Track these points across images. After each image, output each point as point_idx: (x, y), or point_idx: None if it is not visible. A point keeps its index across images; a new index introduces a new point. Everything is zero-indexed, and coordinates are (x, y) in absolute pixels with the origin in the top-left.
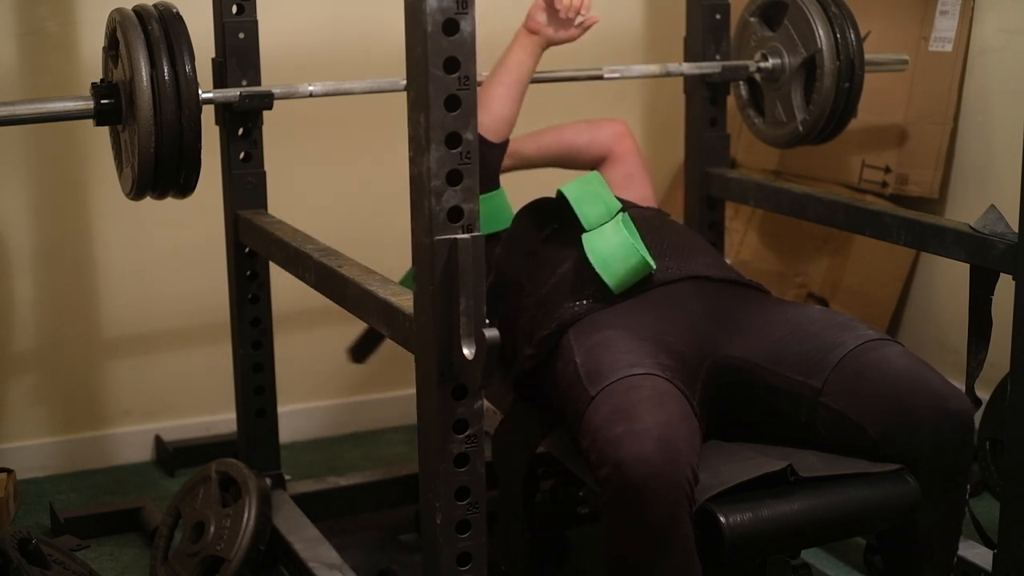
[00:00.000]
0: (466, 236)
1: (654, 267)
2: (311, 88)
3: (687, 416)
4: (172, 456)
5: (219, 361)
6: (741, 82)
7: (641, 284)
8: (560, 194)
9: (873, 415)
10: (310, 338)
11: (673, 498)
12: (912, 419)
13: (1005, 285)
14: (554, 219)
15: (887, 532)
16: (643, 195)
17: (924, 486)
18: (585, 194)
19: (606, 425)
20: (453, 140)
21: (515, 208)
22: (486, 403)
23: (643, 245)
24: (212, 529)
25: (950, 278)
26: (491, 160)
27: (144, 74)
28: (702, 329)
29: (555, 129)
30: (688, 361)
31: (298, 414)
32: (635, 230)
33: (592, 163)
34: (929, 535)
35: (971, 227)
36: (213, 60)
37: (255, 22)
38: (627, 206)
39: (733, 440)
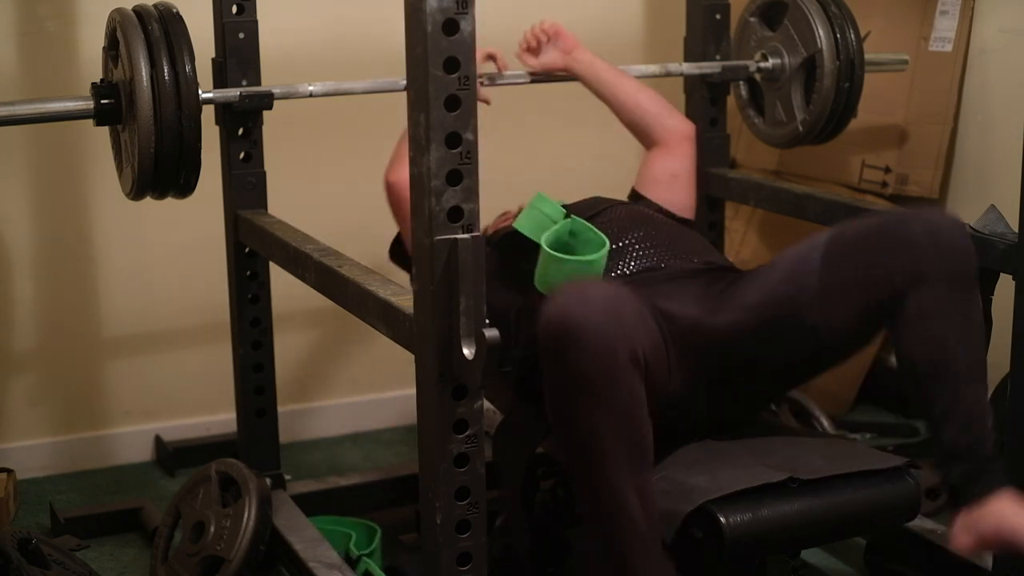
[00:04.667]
0: (466, 236)
1: (594, 259)
2: (311, 88)
3: (639, 306)
4: (172, 456)
5: (219, 361)
6: (741, 82)
7: (629, 277)
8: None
9: (874, 259)
10: (310, 338)
11: (611, 350)
12: (906, 239)
13: (1005, 285)
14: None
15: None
16: (681, 202)
17: (935, 296)
18: (534, 222)
19: (555, 296)
20: (453, 140)
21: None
22: (486, 403)
23: (588, 247)
24: (212, 529)
25: None
26: None
27: (144, 74)
28: (696, 303)
29: (636, 81)
30: (681, 326)
31: (298, 414)
32: (586, 227)
33: (644, 137)
34: (955, 341)
35: (971, 227)
36: (213, 60)
37: (255, 22)
38: (613, 205)
39: (731, 435)
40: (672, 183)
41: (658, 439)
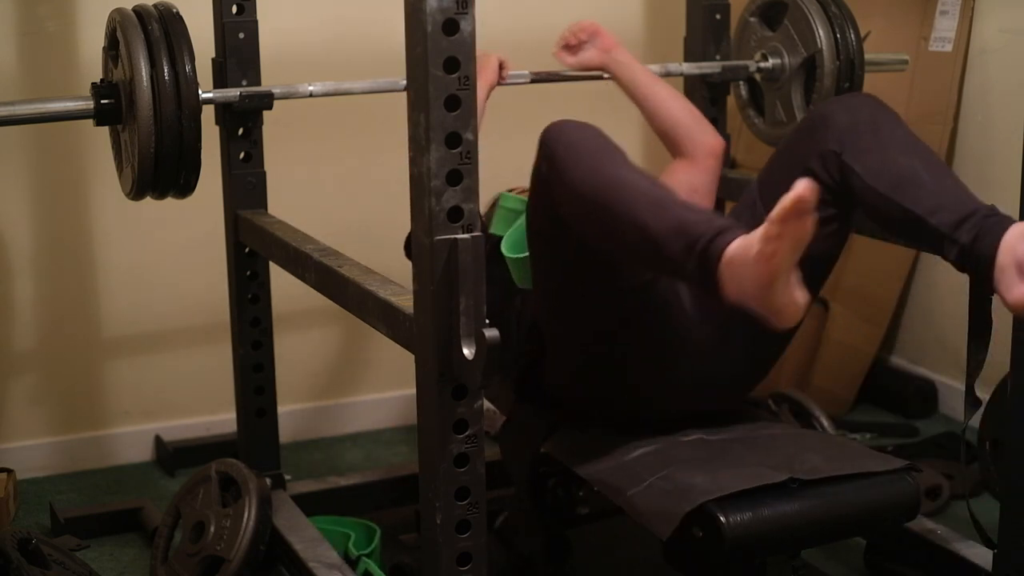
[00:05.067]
0: (466, 236)
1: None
2: (311, 88)
3: None
4: (172, 456)
5: (219, 361)
6: (741, 82)
7: None
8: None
9: (807, 152)
10: (310, 338)
11: (596, 131)
12: (824, 121)
13: None
14: None
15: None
16: None
17: (867, 144)
18: (506, 222)
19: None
20: (453, 140)
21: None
22: (486, 403)
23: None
24: (212, 529)
25: (950, 278)
26: None
27: (144, 74)
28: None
29: (671, 89)
30: None
31: (298, 414)
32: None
33: (673, 146)
34: (905, 157)
35: None
36: (213, 60)
37: (255, 22)
38: None
39: (731, 434)
40: (690, 196)
41: (664, 427)
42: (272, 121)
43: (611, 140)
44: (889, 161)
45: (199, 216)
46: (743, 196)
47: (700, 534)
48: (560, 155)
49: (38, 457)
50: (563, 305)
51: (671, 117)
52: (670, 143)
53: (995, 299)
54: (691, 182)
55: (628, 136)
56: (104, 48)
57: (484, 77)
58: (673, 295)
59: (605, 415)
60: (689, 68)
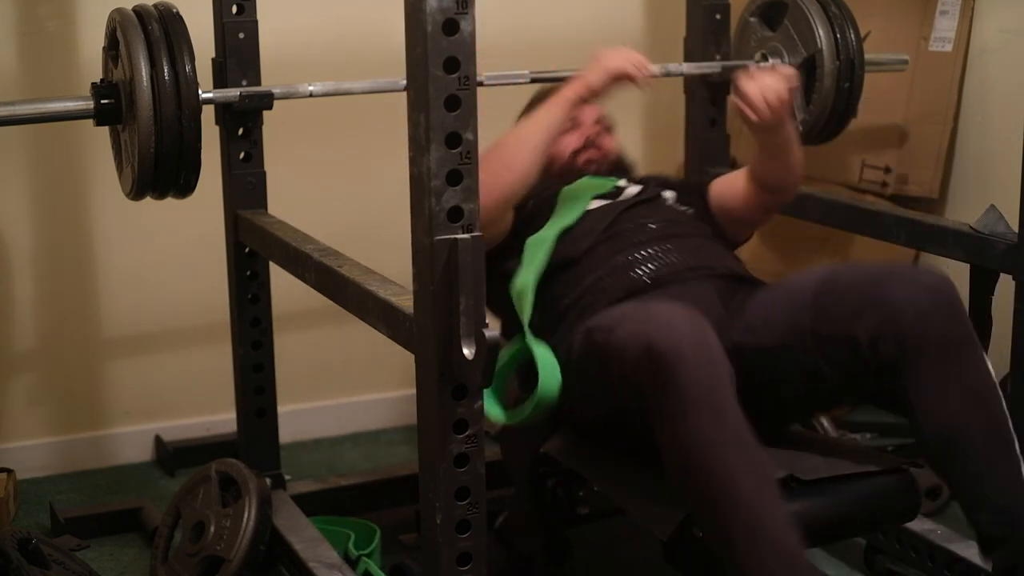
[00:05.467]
0: (466, 236)
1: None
2: (311, 88)
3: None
4: (172, 456)
5: (219, 361)
6: None
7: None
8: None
9: (856, 318)
10: (310, 338)
11: (715, 369)
12: (888, 302)
13: (1005, 285)
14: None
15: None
16: (736, 226)
17: (929, 369)
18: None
19: (625, 317)
20: (453, 140)
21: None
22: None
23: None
24: (212, 529)
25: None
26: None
27: (144, 74)
28: (714, 313)
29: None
30: None
31: (298, 414)
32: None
33: (761, 182)
34: (961, 414)
35: (971, 227)
36: (213, 60)
37: (255, 22)
38: (653, 199)
39: None
40: (742, 218)
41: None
42: (272, 121)
43: (724, 372)
44: (948, 410)
45: (199, 216)
46: (790, 293)
47: (700, 534)
48: (671, 391)
49: (38, 457)
50: (589, 422)
51: (794, 177)
52: (765, 188)
53: (995, 299)
54: (747, 198)
55: (627, 136)
56: (104, 48)
57: (584, 81)
58: None
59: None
60: (689, 68)
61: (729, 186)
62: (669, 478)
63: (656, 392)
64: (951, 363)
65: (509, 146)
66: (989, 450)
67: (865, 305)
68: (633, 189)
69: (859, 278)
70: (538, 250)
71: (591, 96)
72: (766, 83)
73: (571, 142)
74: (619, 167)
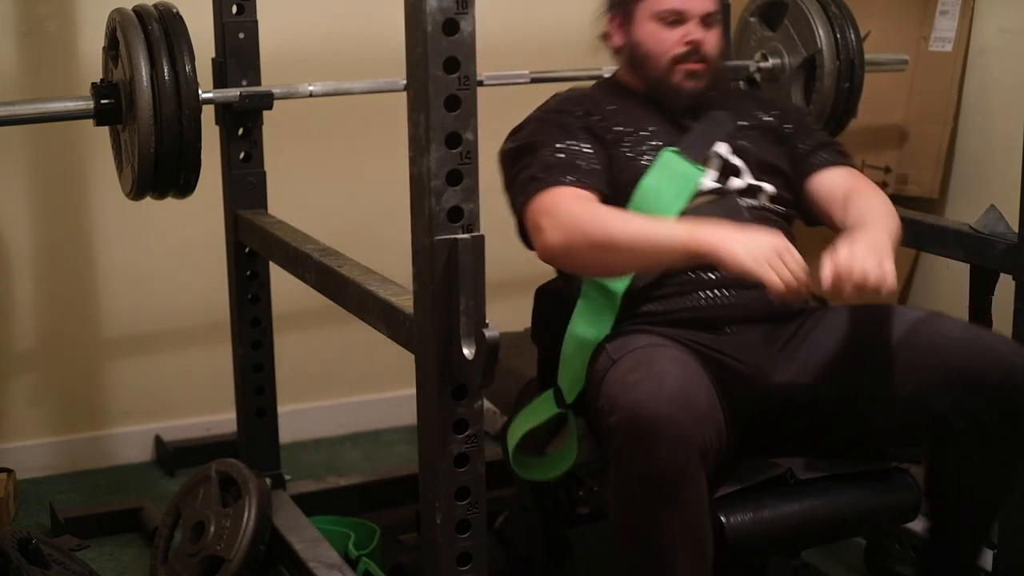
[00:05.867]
0: (466, 236)
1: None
2: (311, 88)
3: (710, 390)
4: (172, 456)
5: (219, 361)
6: (741, 82)
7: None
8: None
9: (939, 392)
10: (310, 338)
11: (685, 447)
12: (978, 388)
13: (1005, 285)
14: None
15: (938, 482)
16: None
17: (985, 448)
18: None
19: (624, 375)
20: (453, 140)
21: None
22: (486, 403)
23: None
24: (212, 529)
25: (950, 278)
26: None
27: (144, 74)
28: (757, 354)
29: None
30: (737, 381)
31: (298, 414)
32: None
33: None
34: (983, 491)
35: (971, 227)
36: (213, 60)
37: (255, 22)
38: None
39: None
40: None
41: None
42: (272, 121)
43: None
44: (980, 484)
45: (199, 216)
46: (866, 337)
47: None
48: (630, 473)
49: (38, 457)
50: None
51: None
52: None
53: (995, 299)
54: (831, 226)
55: None
56: (104, 48)
57: (733, 255)
58: None
59: None
60: None
61: (823, 202)
62: (615, 531)
63: (625, 458)
64: (1006, 450)
65: (615, 236)
66: (971, 533)
67: (952, 380)
68: (736, 183)
69: (945, 348)
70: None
71: (724, 269)
72: (865, 266)
73: (672, 43)
74: (714, 85)
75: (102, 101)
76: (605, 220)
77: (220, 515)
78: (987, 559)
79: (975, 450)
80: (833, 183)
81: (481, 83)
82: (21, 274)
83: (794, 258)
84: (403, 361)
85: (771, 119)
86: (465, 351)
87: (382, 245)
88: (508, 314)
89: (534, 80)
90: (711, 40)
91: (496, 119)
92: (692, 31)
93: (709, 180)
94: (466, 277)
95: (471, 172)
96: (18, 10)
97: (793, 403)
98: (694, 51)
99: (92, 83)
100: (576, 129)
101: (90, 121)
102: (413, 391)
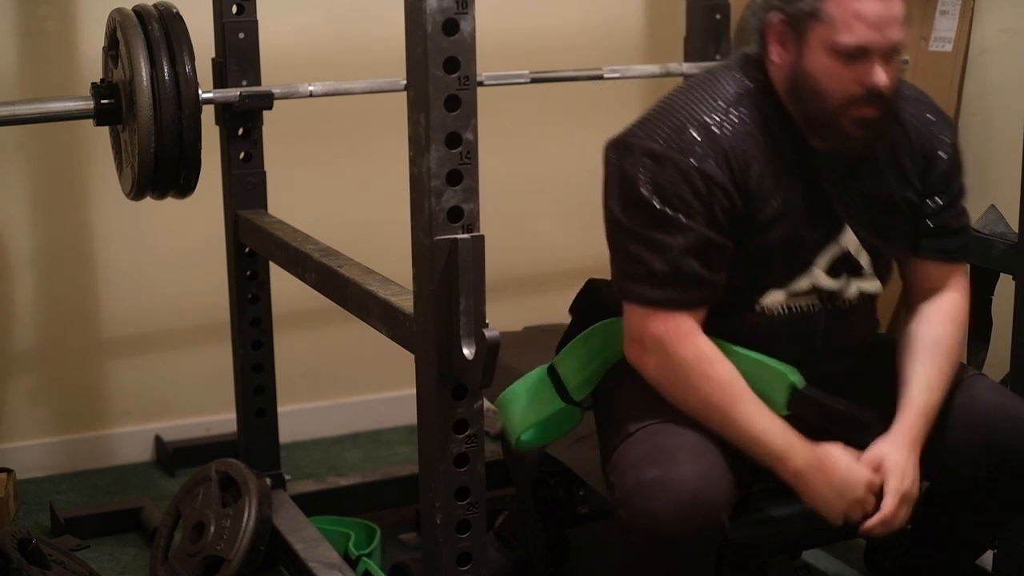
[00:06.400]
0: (466, 236)
1: None
2: (311, 88)
3: (725, 470)
4: (172, 456)
5: (219, 361)
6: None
7: None
8: None
9: (965, 457)
10: (310, 338)
11: (704, 551)
12: (1006, 460)
13: (1005, 285)
14: None
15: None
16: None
17: (989, 507)
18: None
19: (639, 465)
20: (453, 140)
21: None
22: (486, 403)
23: None
24: (212, 529)
25: None
26: None
27: (144, 74)
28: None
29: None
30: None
31: (298, 414)
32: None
33: None
34: (966, 537)
35: (971, 227)
36: (213, 60)
37: (255, 22)
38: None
39: None
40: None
41: None
42: (272, 121)
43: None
44: (946, 547)
45: (199, 216)
46: None
47: None
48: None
49: (38, 457)
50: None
51: None
52: None
53: (994, 299)
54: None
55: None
56: (104, 48)
57: (825, 502)
58: None
59: None
60: (689, 68)
61: (907, 284)
62: None
63: (639, 556)
64: (1001, 520)
65: (711, 416)
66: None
67: (974, 442)
68: (846, 290)
69: (977, 415)
70: None
71: (811, 506)
72: (913, 492)
73: (849, 82)
74: (885, 134)
75: (102, 101)
76: (710, 396)
77: (220, 515)
78: (987, 559)
79: (978, 499)
80: (930, 281)
81: (481, 83)
82: (21, 274)
83: (873, 505)
84: (403, 361)
85: (914, 165)
86: (465, 351)
87: (382, 245)
88: (508, 314)
89: (534, 80)
90: (893, 79)
91: (496, 119)
92: (874, 72)
93: (817, 274)
94: (466, 277)
95: (471, 172)
96: (18, 10)
97: None
98: (875, 96)
99: (92, 83)
100: (716, 208)
101: (90, 121)
102: (413, 391)
